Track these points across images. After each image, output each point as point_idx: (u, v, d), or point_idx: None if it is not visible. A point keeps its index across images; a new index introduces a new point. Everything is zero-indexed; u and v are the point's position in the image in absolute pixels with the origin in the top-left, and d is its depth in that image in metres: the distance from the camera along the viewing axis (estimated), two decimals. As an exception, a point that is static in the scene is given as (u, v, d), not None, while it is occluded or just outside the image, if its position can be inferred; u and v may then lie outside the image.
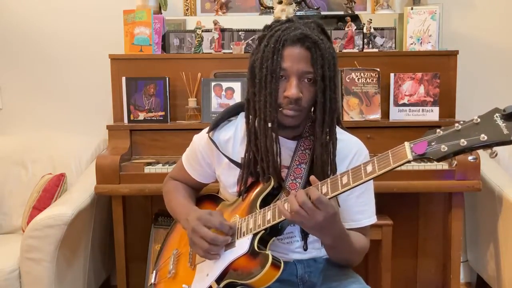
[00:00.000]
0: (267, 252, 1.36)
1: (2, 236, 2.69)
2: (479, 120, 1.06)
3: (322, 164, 1.46)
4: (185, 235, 1.56)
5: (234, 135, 1.61)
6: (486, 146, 1.04)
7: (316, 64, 1.41)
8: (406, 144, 1.15)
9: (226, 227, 1.44)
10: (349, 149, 1.55)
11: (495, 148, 1.04)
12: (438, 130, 1.10)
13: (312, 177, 1.35)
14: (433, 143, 1.10)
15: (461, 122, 1.08)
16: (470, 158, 1.08)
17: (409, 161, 1.13)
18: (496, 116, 1.04)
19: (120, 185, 2.41)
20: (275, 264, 1.34)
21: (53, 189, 2.58)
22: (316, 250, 1.58)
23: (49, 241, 2.16)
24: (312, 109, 1.50)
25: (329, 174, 1.46)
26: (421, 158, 1.11)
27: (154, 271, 1.73)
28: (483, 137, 1.03)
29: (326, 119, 1.45)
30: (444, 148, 1.07)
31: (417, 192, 2.67)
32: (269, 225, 1.38)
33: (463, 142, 1.05)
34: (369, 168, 1.20)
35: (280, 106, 1.44)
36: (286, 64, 1.41)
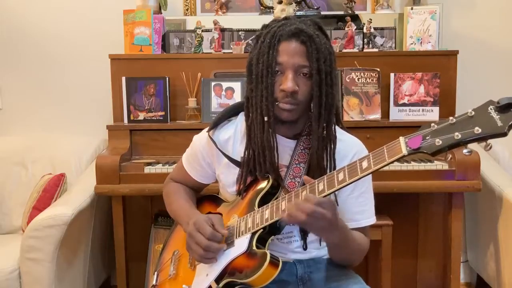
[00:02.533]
0: (265, 251, 1.36)
1: (2, 236, 2.69)
2: (473, 113, 1.05)
3: (318, 159, 1.46)
4: (185, 236, 1.55)
5: (234, 135, 1.61)
6: (481, 138, 1.03)
7: (311, 58, 1.42)
8: (401, 139, 1.15)
9: (218, 237, 1.44)
10: (349, 149, 1.54)
11: (490, 141, 1.04)
12: (432, 124, 1.10)
13: (306, 177, 1.36)
14: (427, 137, 1.10)
15: (456, 116, 1.08)
16: (464, 151, 1.07)
17: (404, 156, 1.12)
18: (490, 109, 1.04)
19: (120, 185, 2.41)
20: (273, 262, 1.33)
21: (53, 189, 2.58)
22: (316, 250, 1.57)
23: (49, 241, 2.16)
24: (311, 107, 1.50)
25: (326, 171, 1.46)
26: (416, 152, 1.11)
27: (156, 272, 1.73)
28: (477, 129, 1.03)
29: (323, 113, 1.45)
30: (438, 142, 1.07)
31: (417, 192, 2.66)
32: (267, 223, 1.38)
33: (458, 135, 1.05)
34: (365, 164, 1.20)
35: (276, 100, 1.44)
36: (282, 59, 1.42)
